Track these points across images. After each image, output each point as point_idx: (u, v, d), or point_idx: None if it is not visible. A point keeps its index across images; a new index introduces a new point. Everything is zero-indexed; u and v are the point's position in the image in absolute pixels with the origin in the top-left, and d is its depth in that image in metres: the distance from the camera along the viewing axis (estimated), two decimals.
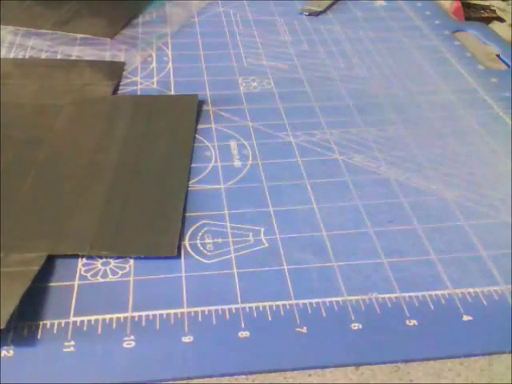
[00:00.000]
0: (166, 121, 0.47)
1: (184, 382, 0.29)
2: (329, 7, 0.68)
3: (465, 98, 0.52)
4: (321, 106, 0.50)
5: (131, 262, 0.35)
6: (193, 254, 0.36)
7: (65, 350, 0.30)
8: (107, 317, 0.32)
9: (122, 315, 0.32)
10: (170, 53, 0.58)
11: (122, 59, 0.57)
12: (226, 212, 0.39)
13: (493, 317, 0.32)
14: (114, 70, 0.55)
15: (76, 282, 0.34)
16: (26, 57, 0.57)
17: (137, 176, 0.42)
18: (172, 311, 0.32)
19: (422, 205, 0.40)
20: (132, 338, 0.31)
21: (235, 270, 0.35)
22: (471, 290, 0.34)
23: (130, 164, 0.43)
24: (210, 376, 0.29)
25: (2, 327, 0.30)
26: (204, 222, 0.38)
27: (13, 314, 0.31)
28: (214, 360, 0.30)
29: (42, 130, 0.46)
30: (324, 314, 0.32)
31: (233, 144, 0.46)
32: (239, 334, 0.31)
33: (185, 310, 0.33)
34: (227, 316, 0.32)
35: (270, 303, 0.33)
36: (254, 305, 0.33)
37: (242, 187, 0.41)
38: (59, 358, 0.30)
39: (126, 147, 0.44)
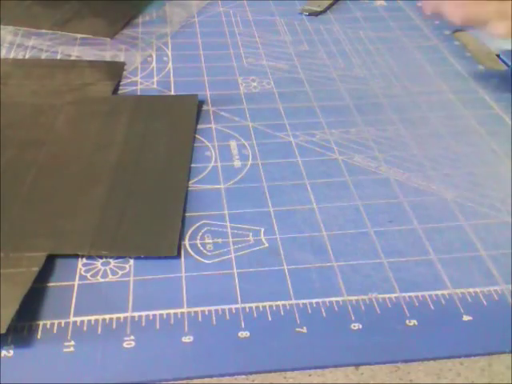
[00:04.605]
0: (166, 121, 0.47)
1: (184, 382, 0.29)
2: (329, 7, 0.68)
3: (465, 98, 0.52)
4: (321, 106, 0.50)
5: (131, 261, 0.35)
6: (193, 254, 0.36)
7: (65, 350, 0.30)
8: (107, 317, 0.32)
9: (121, 315, 0.32)
10: (169, 53, 0.58)
11: (122, 59, 0.57)
12: (226, 212, 0.39)
13: (493, 317, 0.32)
14: (114, 70, 0.55)
15: (76, 282, 0.34)
16: (26, 57, 0.57)
17: (137, 176, 0.42)
18: (172, 311, 0.32)
19: (422, 205, 0.40)
20: (132, 337, 0.31)
21: (235, 270, 0.35)
22: (471, 290, 0.34)
23: (130, 164, 0.43)
24: (210, 376, 0.29)
25: (3, 332, 0.30)
26: (204, 222, 0.38)
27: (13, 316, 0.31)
28: (214, 360, 0.30)
29: (42, 129, 0.46)
30: (324, 314, 0.32)
31: (233, 144, 0.46)
32: (239, 334, 0.31)
33: (185, 309, 0.33)
34: (227, 316, 0.32)
35: (270, 303, 0.33)
36: (254, 305, 0.33)
37: (241, 187, 0.41)
38: (59, 358, 0.30)
39: (126, 147, 0.44)
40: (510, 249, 0.36)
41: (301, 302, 0.33)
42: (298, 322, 0.32)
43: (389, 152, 0.45)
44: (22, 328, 0.31)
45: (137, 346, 0.31)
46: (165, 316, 0.32)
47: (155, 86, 0.53)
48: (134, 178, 0.41)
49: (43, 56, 0.57)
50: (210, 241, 0.37)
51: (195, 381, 0.29)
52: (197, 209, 0.39)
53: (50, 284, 0.34)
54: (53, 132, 0.46)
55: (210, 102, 0.50)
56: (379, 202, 0.40)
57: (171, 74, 0.54)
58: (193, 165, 0.43)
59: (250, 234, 0.37)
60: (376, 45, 0.60)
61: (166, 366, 0.30)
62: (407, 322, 0.32)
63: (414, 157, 0.44)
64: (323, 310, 0.33)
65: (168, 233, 0.37)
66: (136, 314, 0.32)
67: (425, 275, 0.35)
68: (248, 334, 0.31)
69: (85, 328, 0.32)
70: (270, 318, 0.32)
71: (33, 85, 0.52)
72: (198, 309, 0.33)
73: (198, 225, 0.38)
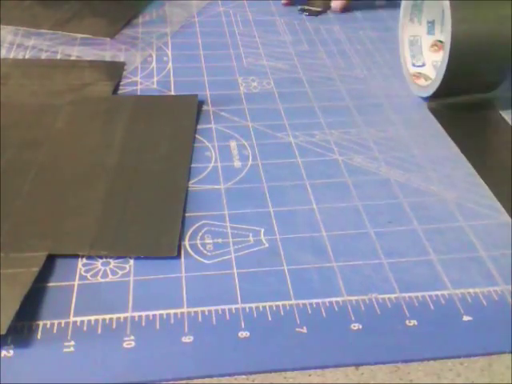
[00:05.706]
0: (166, 121, 0.47)
1: (184, 382, 0.29)
2: (329, 7, 0.68)
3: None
4: (321, 106, 0.50)
5: (131, 262, 0.35)
6: (193, 254, 0.36)
7: (65, 350, 0.30)
8: (107, 317, 0.32)
9: (122, 315, 0.32)
10: (169, 53, 0.58)
11: (122, 59, 0.57)
12: (226, 212, 0.39)
13: (493, 317, 0.32)
14: (114, 70, 0.55)
15: (76, 282, 0.34)
16: (26, 57, 0.57)
17: (137, 176, 0.42)
18: (172, 311, 0.32)
19: (422, 205, 0.40)
20: (132, 338, 0.31)
21: (235, 270, 0.35)
22: (471, 290, 0.34)
23: (130, 164, 0.43)
24: (210, 376, 0.29)
25: (3, 333, 0.30)
26: (204, 222, 0.38)
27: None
28: (214, 360, 0.30)
29: (42, 129, 0.46)
30: (324, 314, 0.32)
31: (233, 144, 0.46)
32: (239, 334, 0.31)
33: (185, 309, 0.33)
34: (227, 316, 0.32)
35: (270, 303, 0.33)
36: (253, 305, 0.33)
37: (242, 187, 0.41)
38: (59, 357, 0.30)
39: (126, 147, 0.44)
40: (510, 249, 0.36)
41: (301, 302, 0.33)
42: (298, 322, 0.32)
43: (389, 153, 0.45)
44: (22, 328, 0.31)
45: (137, 345, 0.31)
46: (165, 316, 0.32)
47: (155, 86, 0.53)
48: (134, 178, 0.41)
49: (43, 56, 0.57)
50: (210, 241, 0.37)
51: (195, 381, 0.29)
52: (197, 209, 0.39)
53: (50, 284, 0.34)
54: (53, 132, 0.46)
55: (210, 102, 0.50)
56: (379, 203, 0.40)
57: (171, 74, 0.54)
58: (193, 165, 0.43)
59: (250, 234, 0.37)
60: (376, 45, 0.60)
61: (166, 365, 0.30)
62: (407, 322, 0.32)
63: (414, 157, 0.44)
64: (323, 310, 0.33)
65: (168, 233, 0.37)
66: (136, 313, 0.32)
67: (425, 276, 0.35)
68: (248, 334, 0.31)
69: (85, 328, 0.32)
70: (270, 318, 0.32)
71: (33, 85, 0.52)
72: (198, 309, 0.33)
73: (198, 225, 0.38)
